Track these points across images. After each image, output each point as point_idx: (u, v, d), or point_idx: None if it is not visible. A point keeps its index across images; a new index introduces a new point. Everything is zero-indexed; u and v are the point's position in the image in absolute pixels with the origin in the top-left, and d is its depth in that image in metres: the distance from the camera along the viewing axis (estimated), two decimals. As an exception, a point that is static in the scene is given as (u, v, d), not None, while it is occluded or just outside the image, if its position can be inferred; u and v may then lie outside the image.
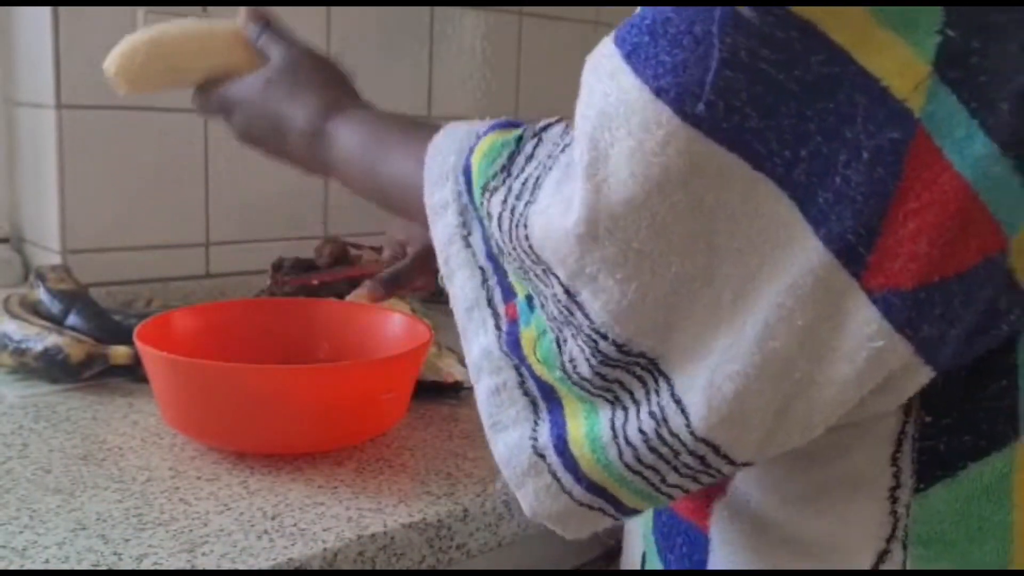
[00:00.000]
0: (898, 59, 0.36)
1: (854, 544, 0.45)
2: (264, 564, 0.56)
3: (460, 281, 0.50)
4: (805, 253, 0.37)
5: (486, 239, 0.49)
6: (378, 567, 0.61)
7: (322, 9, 1.21)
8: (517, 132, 0.50)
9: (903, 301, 0.37)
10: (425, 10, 1.31)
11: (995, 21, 0.36)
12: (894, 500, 0.44)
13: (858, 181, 0.36)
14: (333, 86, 0.68)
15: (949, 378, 0.41)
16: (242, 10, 0.72)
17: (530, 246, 0.44)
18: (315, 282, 1.01)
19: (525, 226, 0.44)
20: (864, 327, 0.37)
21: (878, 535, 0.44)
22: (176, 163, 1.12)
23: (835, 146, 0.37)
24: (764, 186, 0.38)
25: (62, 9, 1.02)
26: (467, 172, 0.50)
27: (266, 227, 0.93)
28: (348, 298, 0.94)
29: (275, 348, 0.83)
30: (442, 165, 0.52)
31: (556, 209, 0.42)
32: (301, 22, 1.19)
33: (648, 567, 0.56)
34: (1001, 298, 0.39)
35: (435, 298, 0.54)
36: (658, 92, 0.38)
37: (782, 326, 0.38)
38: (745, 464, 0.41)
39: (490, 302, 0.49)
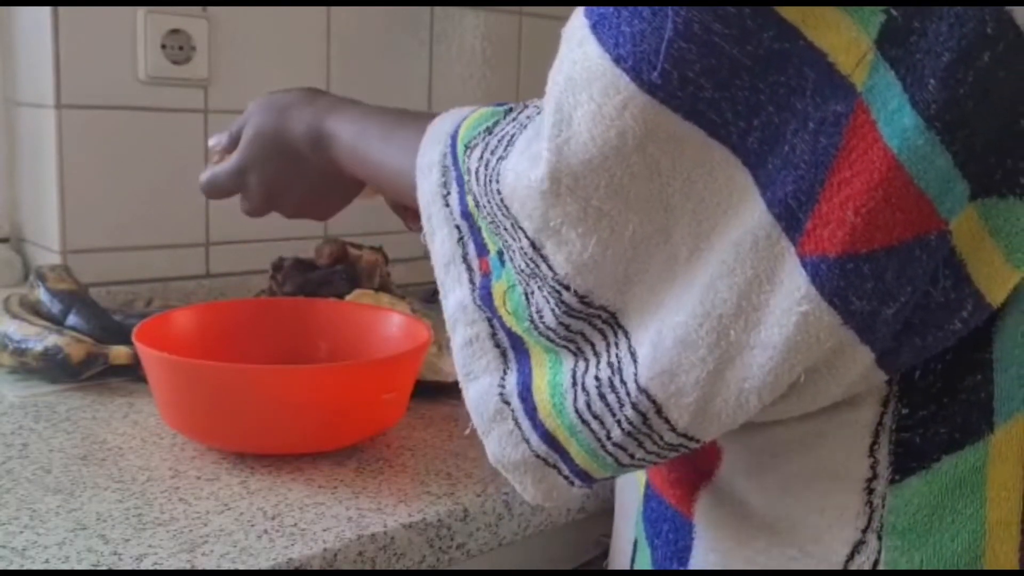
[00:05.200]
0: (844, 36, 0.37)
1: (832, 533, 0.45)
2: (264, 564, 0.56)
3: (440, 238, 0.53)
4: (750, 214, 0.39)
5: (462, 197, 0.52)
6: (378, 567, 0.61)
7: (322, 9, 1.21)
8: (510, 105, 0.53)
9: (830, 268, 0.38)
10: (425, 10, 1.31)
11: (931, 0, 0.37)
12: (871, 491, 0.44)
13: (803, 149, 0.38)
14: (312, 96, 0.72)
15: (926, 371, 0.43)
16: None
17: (501, 200, 0.46)
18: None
19: (497, 180, 0.46)
20: (794, 291, 0.39)
21: (855, 525, 0.45)
22: (176, 163, 1.12)
23: (785, 116, 0.38)
24: (719, 153, 0.40)
25: (62, 9, 1.02)
26: (455, 135, 0.53)
27: (266, 227, 0.94)
28: (348, 298, 0.94)
29: (275, 348, 0.83)
30: (437, 132, 0.56)
31: (523, 166, 0.44)
32: (301, 22, 1.20)
33: (639, 554, 0.57)
34: (942, 285, 0.40)
35: (435, 298, 0.55)
36: (617, 60, 0.40)
37: (723, 282, 0.40)
38: (688, 437, 0.43)
39: (465, 258, 0.51)
